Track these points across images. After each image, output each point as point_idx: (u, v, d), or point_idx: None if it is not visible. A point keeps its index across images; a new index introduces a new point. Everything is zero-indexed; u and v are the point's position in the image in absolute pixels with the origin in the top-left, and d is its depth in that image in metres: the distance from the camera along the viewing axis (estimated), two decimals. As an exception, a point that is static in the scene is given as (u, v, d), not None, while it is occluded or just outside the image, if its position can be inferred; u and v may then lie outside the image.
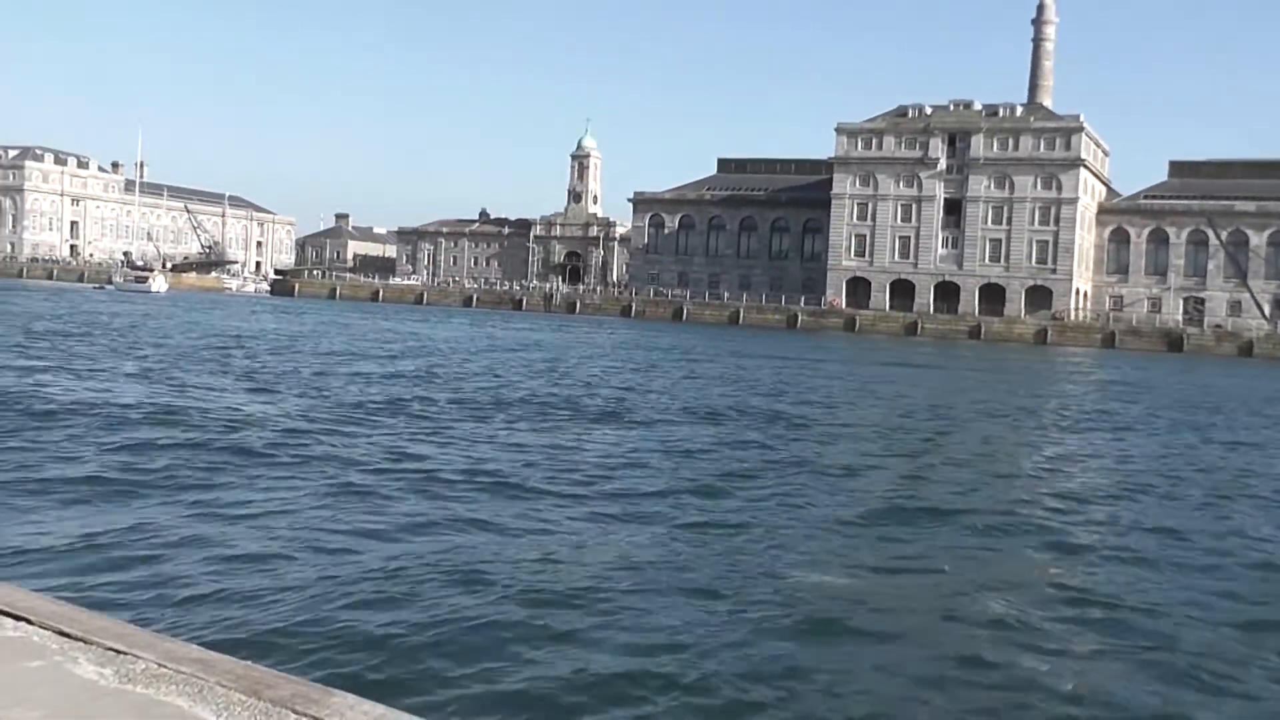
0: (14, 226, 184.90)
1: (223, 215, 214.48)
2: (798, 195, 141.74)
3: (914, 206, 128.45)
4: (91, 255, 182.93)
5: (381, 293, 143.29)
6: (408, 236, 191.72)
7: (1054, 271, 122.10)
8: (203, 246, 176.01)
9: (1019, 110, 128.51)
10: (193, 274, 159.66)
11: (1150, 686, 8.73)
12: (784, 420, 27.41)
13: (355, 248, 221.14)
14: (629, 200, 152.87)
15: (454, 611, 9.32)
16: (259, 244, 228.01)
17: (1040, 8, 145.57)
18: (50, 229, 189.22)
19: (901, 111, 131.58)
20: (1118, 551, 13.70)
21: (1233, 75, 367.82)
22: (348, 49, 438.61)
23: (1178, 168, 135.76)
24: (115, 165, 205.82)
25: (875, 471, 19.59)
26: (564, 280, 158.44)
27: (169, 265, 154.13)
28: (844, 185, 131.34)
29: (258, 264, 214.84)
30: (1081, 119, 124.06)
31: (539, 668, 8.17)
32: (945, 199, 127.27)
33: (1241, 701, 8.57)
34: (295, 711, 3.12)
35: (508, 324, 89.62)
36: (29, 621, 3.65)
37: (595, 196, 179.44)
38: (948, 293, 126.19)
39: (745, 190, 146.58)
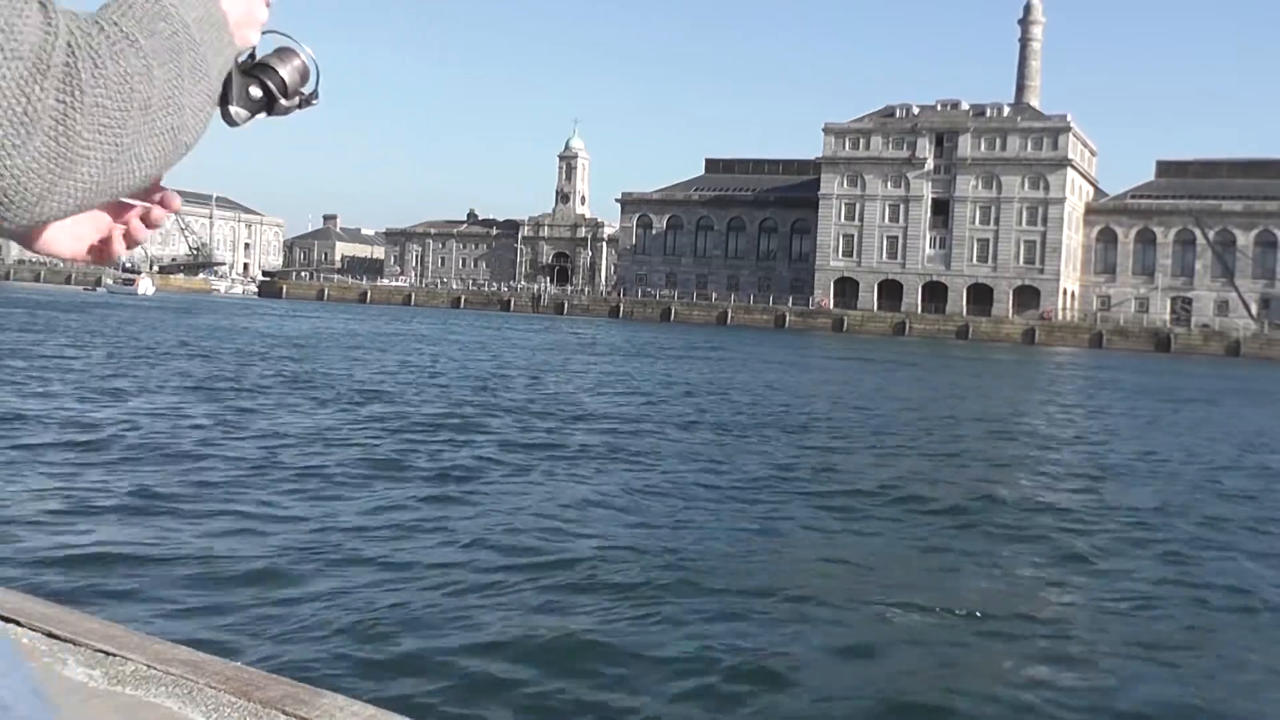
0: None
1: (210, 216, 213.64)
2: (785, 196, 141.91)
3: (902, 207, 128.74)
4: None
5: (369, 294, 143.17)
6: (395, 237, 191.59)
7: (1041, 271, 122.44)
8: (190, 248, 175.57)
9: (1006, 110, 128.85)
10: (180, 276, 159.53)
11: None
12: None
13: (343, 249, 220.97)
14: (617, 201, 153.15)
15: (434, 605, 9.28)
16: (246, 245, 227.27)
17: (1027, 8, 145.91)
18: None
19: (889, 111, 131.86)
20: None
21: (1220, 75, 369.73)
22: (335, 50, 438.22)
23: (1165, 167, 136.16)
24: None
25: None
26: (552, 281, 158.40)
27: (156, 267, 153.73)
28: (831, 185, 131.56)
29: (245, 265, 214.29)
30: (1069, 119, 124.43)
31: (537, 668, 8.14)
32: (933, 199, 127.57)
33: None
34: (285, 713, 3.12)
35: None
36: (18, 623, 3.64)
37: (583, 197, 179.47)
38: (935, 293, 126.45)
39: (733, 191, 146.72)
